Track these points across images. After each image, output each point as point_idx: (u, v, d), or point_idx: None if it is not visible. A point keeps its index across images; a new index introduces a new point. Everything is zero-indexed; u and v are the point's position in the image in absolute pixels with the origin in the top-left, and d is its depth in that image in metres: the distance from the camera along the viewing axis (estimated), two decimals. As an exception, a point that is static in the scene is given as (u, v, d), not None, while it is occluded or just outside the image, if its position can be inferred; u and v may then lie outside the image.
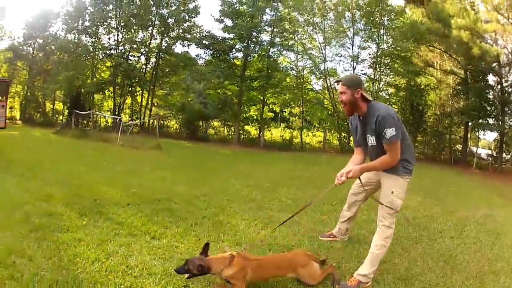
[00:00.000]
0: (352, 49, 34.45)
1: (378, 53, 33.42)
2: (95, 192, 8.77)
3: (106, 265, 4.72)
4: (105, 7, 38.77)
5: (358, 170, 4.76)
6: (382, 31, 33.47)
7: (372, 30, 33.40)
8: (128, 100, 42.23)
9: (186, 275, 4.16)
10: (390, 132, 4.41)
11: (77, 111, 31.63)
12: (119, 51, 39.77)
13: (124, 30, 39.47)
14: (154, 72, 40.42)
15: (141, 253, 5.21)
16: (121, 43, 39.77)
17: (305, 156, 26.62)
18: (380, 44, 33.49)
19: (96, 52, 40.66)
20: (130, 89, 40.47)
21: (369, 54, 34.65)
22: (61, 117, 43.08)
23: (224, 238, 6.10)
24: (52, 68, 41.37)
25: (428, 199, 11.26)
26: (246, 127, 38.37)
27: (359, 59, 34.51)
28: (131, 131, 29.17)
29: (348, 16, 33.75)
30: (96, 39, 40.03)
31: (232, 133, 37.70)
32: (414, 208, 9.62)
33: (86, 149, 19.95)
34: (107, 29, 40.27)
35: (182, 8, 37.92)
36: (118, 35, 39.77)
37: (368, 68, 34.99)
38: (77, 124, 32.73)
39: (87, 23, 40.16)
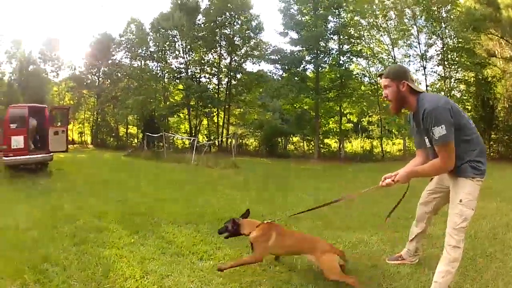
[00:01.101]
0: (419, 47, 32.89)
1: (444, 49, 31.74)
2: (155, 211, 8.65)
3: (139, 283, 4.57)
4: (168, 32, 39.40)
5: (405, 175, 4.02)
6: (443, 24, 31.77)
7: (433, 24, 31.75)
8: (205, 121, 42.21)
9: (224, 235, 4.78)
10: (438, 131, 3.61)
11: (149, 134, 31.77)
12: (189, 73, 40.24)
13: (191, 52, 40.04)
14: (227, 92, 40.34)
15: (181, 273, 4.87)
16: (190, 65, 40.30)
17: (384, 166, 25.19)
18: (444, 38, 31.84)
19: (165, 76, 41.58)
20: (205, 110, 40.46)
21: (436, 51, 32.83)
22: (135, 140, 43.92)
23: (278, 262, 5.37)
24: (121, 94, 42.84)
25: (503, 204, 9.32)
26: (326, 140, 37.08)
27: (427, 57, 32.87)
28: (206, 151, 28.67)
29: (408, 13, 32.42)
30: (164, 63, 40.80)
31: (312, 148, 36.83)
32: (491, 217, 7.76)
33: (156, 169, 19.97)
34: (173, 53, 40.98)
35: (246, 27, 37.87)
36: (185, 57, 40.39)
37: (437, 65, 33.23)
38: (150, 146, 32.83)
39: (151, 49, 41.27)
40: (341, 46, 33.12)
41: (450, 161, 3.71)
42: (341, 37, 32.76)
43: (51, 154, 15.32)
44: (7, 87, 41.77)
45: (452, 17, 30.13)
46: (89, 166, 19.61)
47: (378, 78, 4.74)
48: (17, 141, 14.28)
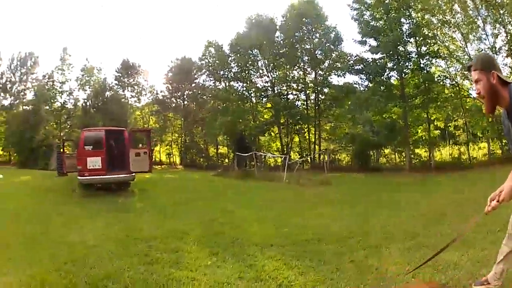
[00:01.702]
0: (488, 39, 30.68)
1: (508, 37, 29.37)
2: (239, 231, 8.32)
3: None
4: (248, 51, 39.58)
5: (510, 190, 3.21)
6: (501, 11, 29.41)
7: (493, 12, 29.50)
8: (296, 138, 41.82)
9: None
10: None
11: (239, 153, 31.73)
12: (275, 91, 40.23)
13: (275, 70, 39.90)
14: (316, 107, 39.77)
15: None
16: (276, 83, 40.15)
17: (474, 174, 23.10)
18: (505, 25, 29.49)
19: (252, 96, 41.74)
20: (295, 127, 40.16)
21: (502, 41, 30.60)
22: (226, 160, 44.21)
23: None
24: (208, 116, 43.45)
25: None
26: (417, 150, 35.62)
27: (496, 49, 30.56)
28: (298, 168, 28.24)
29: (470, 3, 30.41)
30: (248, 83, 41.08)
31: (404, 159, 35.36)
32: None
33: (246, 188, 19.60)
34: (257, 72, 41.18)
35: (325, 39, 37.33)
36: (269, 76, 40.40)
37: (506, 57, 30.76)
38: (241, 165, 32.40)
39: (234, 69, 41.54)
40: (418, 49, 31.76)
41: None
42: (417, 39, 31.39)
43: (133, 174, 15.50)
44: (82, 112, 43.66)
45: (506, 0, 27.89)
46: (175, 186, 19.54)
47: (467, 73, 3.66)
48: (94, 162, 14.65)
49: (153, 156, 47.62)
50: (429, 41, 30.63)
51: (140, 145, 17.40)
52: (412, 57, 31.56)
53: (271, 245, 6.88)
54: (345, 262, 5.80)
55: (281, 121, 39.46)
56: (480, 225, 4.70)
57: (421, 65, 30.77)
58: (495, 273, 4.16)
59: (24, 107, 43.60)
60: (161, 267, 5.61)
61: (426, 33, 30.39)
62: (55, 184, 17.97)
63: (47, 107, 44.83)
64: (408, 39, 31.43)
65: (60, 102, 47.62)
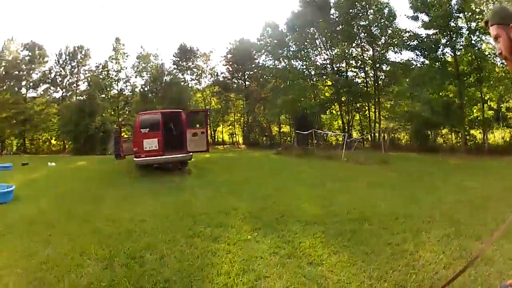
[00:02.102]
0: None
1: None
2: (287, 208, 8.26)
3: (230, 281, 4.36)
4: (306, 29, 39.51)
5: None
6: None
7: None
8: (357, 116, 41.80)
9: None
10: None
11: (298, 131, 31.89)
12: (335, 68, 39.98)
13: (333, 48, 39.64)
14: (375, 84, 39.40)
15: (280, 277, 4.48)
16: (335, 61, 39.91)
17: None
18: None
19: (311, 74, 41.44)
20: (356, 104, 40.14)
21: None
22: (288, 138, 44.30)
23: (392, 276, 4.51)
24: (269, 95, 44.03)
25: None
26: (472, 131, 34.39)
27: None
28: (356, 147, 28.45)
29: None
30: (308, 61, 40.92)
31: (460, 140, 34.26)
32: None
33: (303, 166, 19.16)
34: (316, 50, 41.08)
35: (379, 15, 36.75)
36: (328, 53, 40.31)
37: None
38: (302, 144, 32.35)
39: (292, 48, 41.61)
40: (468, 24, 30.42)
41: None
42: (466, 14, 30.00)
43: (190, 154, 15.76)
44: (140, 98, 45.39)
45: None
46: (233, 165, 19.60)
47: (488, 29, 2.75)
48: (150, 144, 15.04)
49: (215, 136, 48.94)
50: (477, 16, 29.21)
51: (198, 125, 17.32)
52: (463, 33, 30.55)
53: (315, 223, 6.88)
54: (382, 245, 5.74)
55: (342, 99, 39.41)
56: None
57: (472, 42, 29.72)
58: None
59: (78, 98, 45.21)
60: (201, 240, 5.87)
61: (474, 8, 29.11)
62: (111, 167, 18.71)
63: (103, 95, 46.72)
64: (458, 14, 30.26)
65: (117, 90, 49.92)
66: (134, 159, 14.99)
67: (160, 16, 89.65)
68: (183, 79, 49.30)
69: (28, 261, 4.97)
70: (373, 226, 6.72)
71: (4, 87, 45.17)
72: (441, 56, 31.82)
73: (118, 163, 18.73)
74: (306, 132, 30.18)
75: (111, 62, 49.82)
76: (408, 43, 33.75)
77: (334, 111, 41.97)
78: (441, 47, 31.51)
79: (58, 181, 14.51)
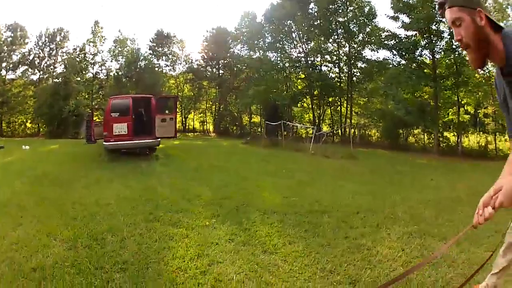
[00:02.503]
0: None
1: None
2: (248, 198, 8.53)
3: (184, 264, 4.59)
4: (284, 22, 39.61)
5: (509, 192, 2.00)
6: None
7: None
8: (328, 111, 41.88)
9: None
10: None
11: (268, 122, 31.91)
12: (309, 62, 40.08)
13: (309, 41, 39.85)
14: (349, 80, 39.36)
15: (233, 263, 4.68)
16: (310, 54, 40.09)
17: (496, 165, 22.53)
18: None
19: (285, 66, 41.53)
20: (328, 99, 40.21)
21: None
22: (259, 129, 44.28)
23: (346, 269, 4.57)
24: (242, 85, 44.26)
25: None
26: (446, 134, 34.98)
27: None
28: (326, 141, 28.50)
29: None
30: (282, 53, 41.03)
31: (432, 141, 34.77)
32: None
33: (270, 156, 19.71)
34: (291, 44, 41.25)
35: (359, 13, 36.91)
36: (303, 47, 40.42)
37: None
38: (271, 135, 32.84)
39: (268, 40, 41.73)
40: (451, 29, 30.75)
41: None
42: None
43: (158, 139, 16.00)
44: (114, 82, 44.59)
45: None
46: (201, 153, 20.08)
47: (441, 12, 2.14)
48: (120, 128, 15.16)
49: (186, 123, 48.84)
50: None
51: (167, 111, 17.43)
52: (444, 36, 30.67)
53: (274, 213, 7.08)
54: (339, 238, 5.81)
55: (314, 93, 39.52)
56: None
57: (453, 46, 29.58)
58: (487, 285, 3.87)
59: (54, 80, 44.48)
60: (160, 224, 6.14)
61: None
62: (82, 151, 18.86)
63: (79, 78, 46.01)
64: (441, 19, 30.57)
65: (92, 73, 49.09)
66: (104, 143, 15.14)
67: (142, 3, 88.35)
68: (157, 65, 48.99)
69: (0, 241, 5.20)
70: (332, 219, 6.80)
71: None
72: (419, 57, 32.27)
73: (88, 147, 18.91)
74: (276, 124, 30.29)
75: (89, 45, 49.00)
76: (385, 42, 33.98)
77: (305, 104, 42.11)
78: (420, 48, 31.95)
79: (31, 164, 14.35)
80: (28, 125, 47.16)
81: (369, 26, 36.35)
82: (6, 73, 46.00)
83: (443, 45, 30.66)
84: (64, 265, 4.37)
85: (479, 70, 2.93)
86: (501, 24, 2.09)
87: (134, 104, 16.10)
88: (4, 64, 45.59)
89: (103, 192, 8.65)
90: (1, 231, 5.66)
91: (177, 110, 23.12)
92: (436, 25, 30.40)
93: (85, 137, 20.97)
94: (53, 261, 4.49)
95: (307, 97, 40.46)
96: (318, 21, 37.86)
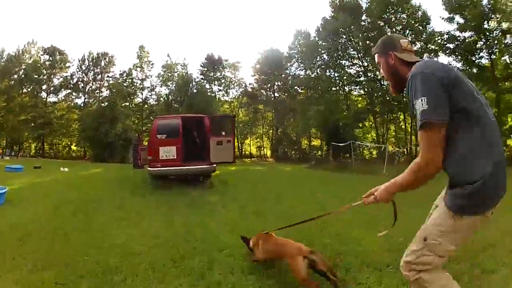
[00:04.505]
0: None
1: None
2: (336, 244, 5.94)
3: None
4: (339, 36, 38.31)
5: (383, 191, 2.78)
6: None
7: None
8: (392, 128, 40.02)
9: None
10: (419, 105, 2.34)
11: (334, 143, 30.04)
12: (369, 77, 38.35)
13: (366, 55, 37.74)
14: (411, 93, 37.48)
15: None
16: (368, 69, 38.36)
17: None
18: None
19: (344, 83, 40.23)
20: (391, 115, 38.05)
21: None
22: (319, 152, 43.13)
23: None
24: (300, 106, 42.53)
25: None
26: (509, 141, 32.05)
27: None
28: (398, 161, 26.53)
29: None
30: (341, 70, 39.69)
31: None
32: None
33: (345, 182, 17.35)
34: (348, 59, 39.80)
35: (412, 21, 35.30)
36: (362, 61, 38.88)
37: None
38: (336, 157, 31.21)
39: (325, 57, 40.39)
40: (500, 25, 28.75)
41: (430, 155, 2.37)
42: (497, 15, 28.41)
43: (213, 165, 13.74)
44: (165, 106, 45.04)
45: None
46: (263, 179, 17.64)
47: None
48: (167, 152, 13.22)
49: (243, 149, 48.36)
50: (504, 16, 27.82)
51: (223, 133, 15.23)
52: (497, 35, 28.93)
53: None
54: None
55: (376, 109, 37.64)
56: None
57: (507, 42, 28.18)
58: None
59: (100, 105, 45.01)
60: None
61: (503, 7, 27.69)
62: (126, 176, 17.37)
63: (127, 103, 47.35)
64: (491, 15, 28.84)
65: (141, 98, 50.58)
66: (148, 168, 13.14)
67: (188, 25, 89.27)
68: (210, 89, 48.74)
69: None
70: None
71: (24, 90, 46.29)
72: (479, 60, 30.40)
73: (134, 173, 17.54)
74: (343, 144, 28.42)
75: (135, 70, 50.16)
76: (446, 45, 32.20)
77: (367, 123, 40.33)
78: (478, 51, 30.02)
79: (62, 187, 13.20)
80: (74, 148, 49.46)
81: (425, 33, 34.95)
82: (47, 95, 48.40)
83: (496, 44, 29.12)
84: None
85: (396, 93, 2.97)
86: (417, 58, 2.80)
87: (185, 124, 14.05)
88: (44, 87, 47.92)
89: (135, 230, 6.79)
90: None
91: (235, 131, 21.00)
92: (488, 23, 28.94)
93: (132, 161, 19.11)
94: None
95: (369, 115, 38.54)
96: (374, 33, 36.07)
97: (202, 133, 14.86)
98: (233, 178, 16.73)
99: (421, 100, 2.35)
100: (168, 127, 13.60)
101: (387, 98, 34.93)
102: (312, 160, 35.05)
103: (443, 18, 31.49)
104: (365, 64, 38.39)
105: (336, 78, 39.90)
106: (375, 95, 36.05)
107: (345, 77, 39.38)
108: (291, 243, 4.51)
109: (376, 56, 2.95)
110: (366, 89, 37.73)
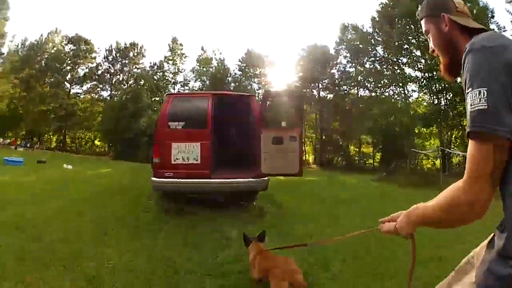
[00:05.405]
0: None
1: None
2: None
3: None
4: (402, 35, 34.59)
5: (404, 220, 1.69)
6: None
7: None
8: (458, 134, 34.72)
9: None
10: (473, 100, 1.32)
11: (414, 150, 27.29)
12: (428, 78, 33.84)
13: (427, 56, 33.41)
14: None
15: None
16: (429, 70, 33.75)
17: None
18: None
19: (403, 83, 36.27)
20: (458, 119, 33.22)
21: None
22: (370, 160, 39.87)
23: None
24: (350, 107, 39.84)
25: None
26: None
27: None
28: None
29: None
30: (399, 69, 36.18)
31: None
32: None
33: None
34: (410, 58, 35.85)
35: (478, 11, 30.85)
36: (422, 61, 34.64)
37: None
38: (392, 166, 25.96)
39: (379, 53, 37.60)
40: None
41: (477, 187, 1.33)
42: None
43: (266, 178, 8.01)
44: None
45: None
46: (326, 197, 11.70)
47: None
48: (185, 153, 7.62)
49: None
50: None
51: (284, 123, 8.47)
52: None
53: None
54: None
55: (443, 110, 33.13)
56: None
57: None
58: None
59: (126, 97, 43.06)
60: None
61: None
62: (133, 184, 13.05)
63: (157, 98, 44.96)
64: None
65: None
66: (152, 178, 7.77)
67: (225, 18, 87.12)
68: (249, 86, 45.78)
69: None
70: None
71: (45, 80, 44.85)
72: None
73: (149, 177, 12.58)
74: (428, 151, 26.75)
75: (167, 63, 48.38)
76: None
77: (432, 128, 35.33)
78: None
79: (51, 192, 10.12)
80: (97, 143, 47.80)
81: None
82: (71, 86, 46.59)
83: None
84: None
85: (450, 76, 1.75)
86: (478, 25, 1.72)
87: (217, 107, 8.39)
88: (68, 77, 46.22)
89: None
90: None
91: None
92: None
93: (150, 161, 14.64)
94: None
95: (435, 118, 33.20)
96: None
97: (247, 122, 9.35)
98: (287, 197, 10.82)
99: (478, 93, 1.33)
100: (189, 111, 8.10)
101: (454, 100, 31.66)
102: (365, 169, 32.34)
103: (509, 12, 30.06)
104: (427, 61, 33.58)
105: (396, 75, 36.11)
106: (437, 94, 32.64)
107: (402, 76, 35.65)
108: (279, 263, 4.06)
109: (423, 21, 1.85)
110: (428, 88, 33.78)
